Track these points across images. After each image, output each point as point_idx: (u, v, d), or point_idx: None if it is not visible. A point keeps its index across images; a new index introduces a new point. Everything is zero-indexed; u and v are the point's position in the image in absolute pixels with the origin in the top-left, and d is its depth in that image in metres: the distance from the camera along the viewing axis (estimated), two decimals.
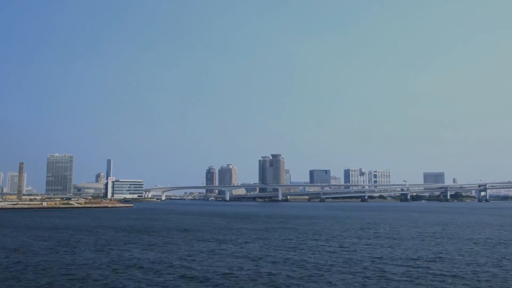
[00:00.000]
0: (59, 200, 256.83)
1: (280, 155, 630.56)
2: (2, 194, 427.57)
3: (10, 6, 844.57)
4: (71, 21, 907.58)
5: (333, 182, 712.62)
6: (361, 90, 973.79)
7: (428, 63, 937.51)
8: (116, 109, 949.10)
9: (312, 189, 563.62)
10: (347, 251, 49.97)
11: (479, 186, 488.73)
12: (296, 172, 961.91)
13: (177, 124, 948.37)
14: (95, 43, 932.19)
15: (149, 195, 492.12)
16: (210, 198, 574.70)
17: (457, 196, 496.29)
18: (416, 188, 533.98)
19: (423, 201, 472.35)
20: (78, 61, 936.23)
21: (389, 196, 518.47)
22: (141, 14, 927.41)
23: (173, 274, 36.27)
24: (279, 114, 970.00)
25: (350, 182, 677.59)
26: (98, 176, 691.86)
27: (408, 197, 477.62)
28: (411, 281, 33.49)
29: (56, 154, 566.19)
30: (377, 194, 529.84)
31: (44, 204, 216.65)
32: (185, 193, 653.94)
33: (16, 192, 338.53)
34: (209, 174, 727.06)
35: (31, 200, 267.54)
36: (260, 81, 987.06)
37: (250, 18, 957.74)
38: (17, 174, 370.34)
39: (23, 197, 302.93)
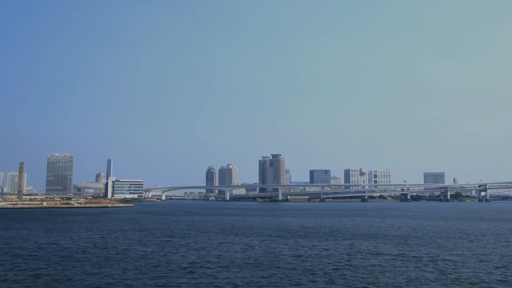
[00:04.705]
0: (59, 200, 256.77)
1: (280, 155, 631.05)
2: (3, 194, 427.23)
3: (13, 6, 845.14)
4: (72, 21, 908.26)
5: (333, 182, 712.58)
6: (361, 89, 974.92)
7: (429, 62, 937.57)
8: (116, 109, 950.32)
9: (312, 189, 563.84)
10: None
11: (479, 186, 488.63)
12: (296, 172, 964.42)
13: (177, 124, 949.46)
14: (94, 43, 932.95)
15: (149, 195, 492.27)
16: (210, 198, 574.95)
17: (457, 196, 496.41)
18: (416, 188, 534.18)
19: (423, 201, 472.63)
20: (78, 61, 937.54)
21: (389, 196, 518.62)
22: (140, 14, 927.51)
23: None
24: (279, 114, 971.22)
25: (350, 182, 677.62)
26: (98, 176, 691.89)
27: (408, 197, 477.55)
28: None
29: (56, 154, 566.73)
30: (377, 194, 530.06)
31: (44, 204, 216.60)
32: (185, 193, 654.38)
33: (16, 192, 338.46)
34: (209, 174, 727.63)
35: (31, 200, 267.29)
36: (259, 81, 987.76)
37: (251, 14, 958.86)
38: (17, 174, 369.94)
39: (23, 197, 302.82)
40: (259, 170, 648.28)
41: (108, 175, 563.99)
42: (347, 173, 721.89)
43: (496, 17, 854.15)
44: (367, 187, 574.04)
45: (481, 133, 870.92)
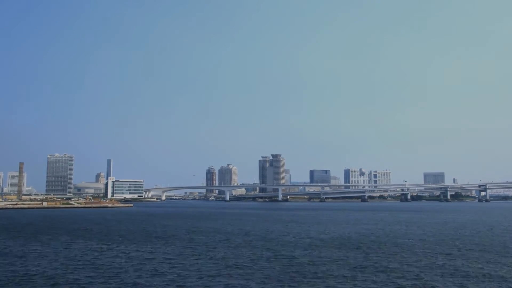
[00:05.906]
0: (59, 200, 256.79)
1: (280, 155, 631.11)
2: (2, 194, 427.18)
3: (14, 5, 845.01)
4: (72, 22, 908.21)
5: (333, 182, 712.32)
6: (361, 89, 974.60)
7: (430, 61, 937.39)
8: (116, 109, 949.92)
9: (312, 189, 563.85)
10: None
11: (479, 186, 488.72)
12: (296, 172, 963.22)
13: (177, 124, 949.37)
14: (95, 43, 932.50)
15: (149, 195, 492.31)
16: (210, 198, 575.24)
17: (457, 196, 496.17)
18: (416, 188, 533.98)
19: (423, 201, 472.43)
20: (77, 62, 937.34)
21: (389, 196, 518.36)
22: (144, 16, 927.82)
23: None
24: (279, 114, 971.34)
25: (350, 182, 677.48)
26: (98, 176, 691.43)
27: (408, 197, 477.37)
28: None
29: (56, 154, 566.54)
30: (377, 194, 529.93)
31: (44, 204, 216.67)
32: (185, 193, 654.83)
33: (16, 192, 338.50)
34: (209, 174, 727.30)
35: (31, 200, 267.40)
36: (259, 81, 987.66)
37: (251, 13, 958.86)
38: (17, 174, 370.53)
39: (23, 197, 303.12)
40: (259, 170, 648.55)
41: (108, 175, 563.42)
42: (347, 173, 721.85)
43: (497, 15, 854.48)
44: (367, 187, 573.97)
45: (481, 133, 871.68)
